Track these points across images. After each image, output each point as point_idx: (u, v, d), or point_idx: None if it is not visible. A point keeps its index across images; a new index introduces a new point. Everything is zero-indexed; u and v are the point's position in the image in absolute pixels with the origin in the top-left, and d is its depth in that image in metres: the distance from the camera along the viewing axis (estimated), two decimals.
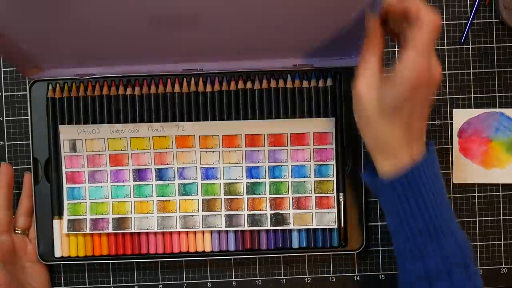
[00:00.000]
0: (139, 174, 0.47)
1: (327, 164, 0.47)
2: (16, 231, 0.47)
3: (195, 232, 0.48)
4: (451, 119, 0.49)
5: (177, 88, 0.47)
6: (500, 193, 0.50)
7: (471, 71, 0.49)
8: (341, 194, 0.47)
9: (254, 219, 0.47)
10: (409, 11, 0.33)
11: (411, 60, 0.33)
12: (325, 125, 0.46)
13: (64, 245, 0.48)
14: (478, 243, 0.50)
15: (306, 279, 0.50)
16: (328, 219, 0.47)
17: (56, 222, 0.47)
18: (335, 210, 0.47)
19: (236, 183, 0.47)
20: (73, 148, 0.47)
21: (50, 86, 0.47)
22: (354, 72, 0.37)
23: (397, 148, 0.36)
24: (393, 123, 0.35)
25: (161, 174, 0.47)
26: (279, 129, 0.47)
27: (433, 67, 0.34)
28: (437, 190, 0.36)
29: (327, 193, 0.47)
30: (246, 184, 0.47)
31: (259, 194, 0.47)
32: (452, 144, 0.49)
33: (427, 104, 0.36)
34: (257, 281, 0.50)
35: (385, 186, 0.36)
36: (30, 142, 0.47)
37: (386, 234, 0.50)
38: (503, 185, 0.49)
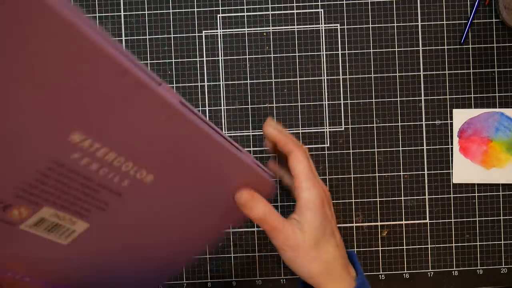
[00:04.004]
0: None
1: None
2: None
3: None
4: (451, 119, 0.49)
5: None
6: (500, 193, 0.50)
7: (471, 71, 0.49)
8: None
9: None
10: (284, 149, 0.39)
11: (307, 187, 0.37)
12: None
13: None
14: (478, 243, 0.50)
15: None
16: None
17: None
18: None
19: None
20: None
21: None
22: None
23: (341, 267, 0.37)
24: (327, 246, 0.37)
25: None
26: None
27: (323, 186, 0.39)
28: None
29: None
30: None
31: None
32: (452, 144, 0.49)
33: (334, 220, 0.39)
34: (257, 281, 0.50)
35: None
36: None
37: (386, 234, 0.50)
38: (503, 185, 0.50)
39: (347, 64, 0.49)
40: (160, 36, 0.49)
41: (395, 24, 0.49)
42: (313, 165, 0.39)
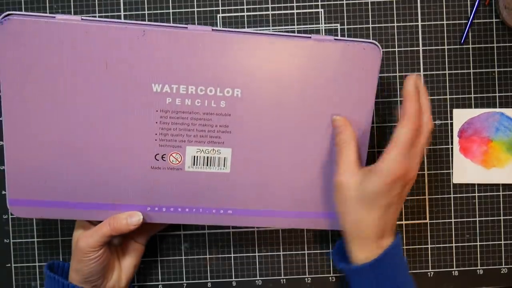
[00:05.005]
0: None
1: None
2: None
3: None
4: (451, 119, 0.49)
5: None
6: (500, 193, 0.50)
7: (471, 71, 0.49)
8: None
9: None
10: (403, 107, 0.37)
11: (392, 158, 0.36)
12: None
13: None
14: (478, 243, 0.50)
15: (306, 279, 0.50)
16: None
17: None
18: None
19: None
20: None
21: None
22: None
23: (371, 236, 0.38)
24: (370, 212, 0.37)
25: None
26: None
27: (411, 168, 0.37)
28: (403, 271, 0.39)
29: None
30: None
31: None
32: (452, 144, 0.49)
33: (401, 200, 0.39)
34: (257, 281, 0.50)
35: (359, 271, 0.38)
36: None
37: None
38: (503, 185, 0.49)
39: None
40: None
41: (395, 24, 0.49)
42: (423, 142, 0.37)
